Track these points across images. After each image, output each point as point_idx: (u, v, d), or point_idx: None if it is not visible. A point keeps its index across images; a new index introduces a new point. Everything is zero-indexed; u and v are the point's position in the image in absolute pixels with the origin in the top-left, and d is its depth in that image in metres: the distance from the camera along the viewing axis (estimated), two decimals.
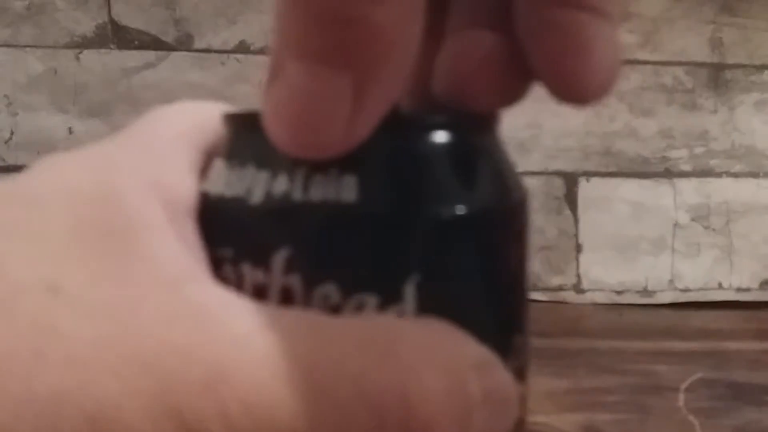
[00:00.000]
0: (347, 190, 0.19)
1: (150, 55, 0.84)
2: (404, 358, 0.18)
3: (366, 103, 0.17)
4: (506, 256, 0.22)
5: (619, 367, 0.69)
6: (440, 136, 0.20)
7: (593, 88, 0.20)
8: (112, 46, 0.84)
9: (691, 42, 0.89)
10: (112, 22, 0.84)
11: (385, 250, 0.19)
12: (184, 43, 0.85)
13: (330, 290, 0.19)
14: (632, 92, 0.89)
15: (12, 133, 0.84)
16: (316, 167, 0.19)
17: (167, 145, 0.21)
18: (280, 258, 0.19)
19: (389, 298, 0.19)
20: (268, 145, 0.19)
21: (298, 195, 0.19)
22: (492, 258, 0.21)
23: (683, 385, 0.65)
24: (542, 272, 0.89)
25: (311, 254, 0.20)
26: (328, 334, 0.18)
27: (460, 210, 0.20)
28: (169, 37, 0.85)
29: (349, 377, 0.17)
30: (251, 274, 0.20)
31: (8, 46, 0.82)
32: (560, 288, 0.90)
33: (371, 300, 0.19)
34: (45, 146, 0.83)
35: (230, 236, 0.20)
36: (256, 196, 0.20)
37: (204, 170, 0.22)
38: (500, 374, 0.20)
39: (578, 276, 0.90)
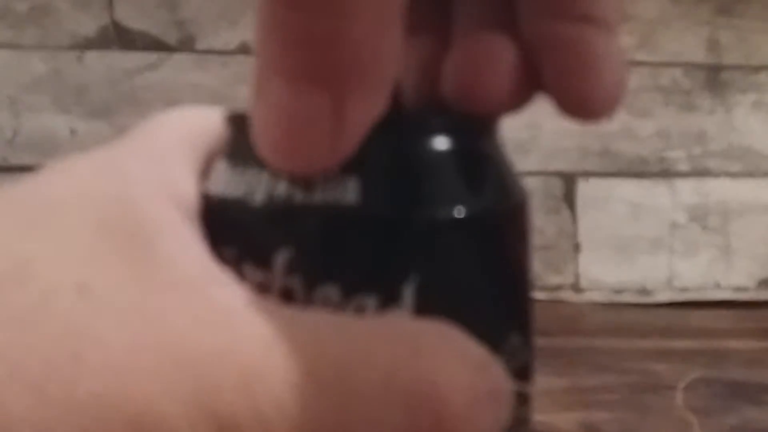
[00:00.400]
0: (348, 191, 0.19)
1: (152, 56, 0.84)
2: (430, 354, 0.18)
3: (347, 119, 0.17)
4: (505, 258, 0.22)
5: (617, 366, 0.69)
6: (441, 139, 0.20)
7: (602, 105, 0.20)
8: (114, 48, 0.84)
9: (688, 43, 0.89)
10: (115, 23, 0.83)
11: (385, 252, 0.20)
12: (186, 45, 0.84)
13: (331, 291, 0.19)
14: (630, 93, 0.88)
15: (15, 133, 0.83)
16: None
17: (171, 150, 0.21)
18: (281, 258, 0.19)
19: (388, 299, 0.19)
20: None
21: (299, 196, 0.19)
22: (490, 260, 0.21)
23: (681, 384, 0.64)
24: (541, 271, 0.88)
25: (312, 255, 0.20)
26: (354, 333, 0.18)
27: (460, 212, 0.20)
28: (171, 39, 0.84)
29: (379, 374, 0.17)
30: (253, 273, 0.20)
31: (11, 47, 0.82)
32: (559, 287, 0.90)
33: (371, 301, 0.19)
34: (48, 147, 0.82)
35: (232, 236, 0.20)
36: (258, 197, 0.20)
37: (206, 174, 0.22)
38: (499, 373, 0.20)
39: (577, 275, 0.90)
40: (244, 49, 0.85)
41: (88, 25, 0.83)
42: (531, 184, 0.86)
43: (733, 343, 0.75)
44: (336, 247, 0.20)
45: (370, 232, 0.19)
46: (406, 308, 0.19)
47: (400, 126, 0.20)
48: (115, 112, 0.83)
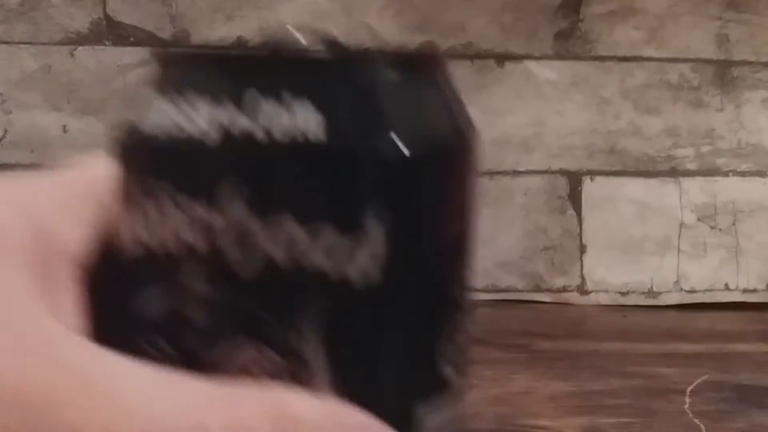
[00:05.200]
0: (298, 118, 0.20)
1: (146, 51, 0.84)
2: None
3: None
4: (458, 194, 0.22)
5: (623, 370, 0.69)
6: (392, 74, 0.21)
7: None
8: (107, 43, 0.84)
9: (696, 38, 0.88)
10: (108, 17, 0.83)
11: (337, 180, 0.20)
12: (181, 40, 0.84)
13: (283, 218, 0.19)
14: (637, 89, 0.88)
15: (5, 131, 0.84)
16: (265, 92, 0.20)
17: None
18: (227, 188, 0.20)
19: (347, 226, 0.19)
20: (210, 77, 0.20)
21: (243, 124, 0.20)
22: (444, 195, 0.22)
23: (689, 388, 0.64)
24: (546, 273, 0.88)
25: (260, 183, 0.20)
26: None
27: (413, 143, 0.20)
28: (165, 34, 0.84)
29: None
30: (196, 207, 0.20)
31: (2, 42, 0.82)
32: (564, 289, 0.89)
33: (328, 227, 0.19)
34: (39, 145, 0.83)
35: (167, 169, 0.21)
36: (201, 128, 0.20)
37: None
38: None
39: (582, 277, 0.89)
40: (240, 45, 0.84)
41: (81, 19, 0.83)
42: (535, 183, 0.86)
43: (742, 347, 0.75)
44: (285, 174, 0.20)
45: (324, 160, 0.20)
46: (375, 242, 0.20)
47: (354, 58, 0.21)
48: (107, 109, 0.83)
